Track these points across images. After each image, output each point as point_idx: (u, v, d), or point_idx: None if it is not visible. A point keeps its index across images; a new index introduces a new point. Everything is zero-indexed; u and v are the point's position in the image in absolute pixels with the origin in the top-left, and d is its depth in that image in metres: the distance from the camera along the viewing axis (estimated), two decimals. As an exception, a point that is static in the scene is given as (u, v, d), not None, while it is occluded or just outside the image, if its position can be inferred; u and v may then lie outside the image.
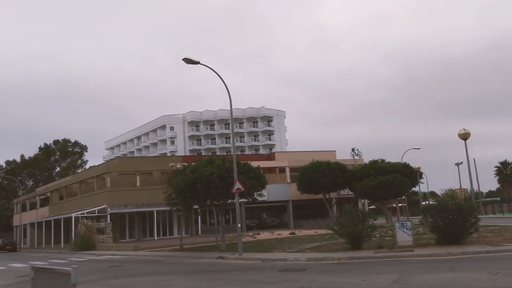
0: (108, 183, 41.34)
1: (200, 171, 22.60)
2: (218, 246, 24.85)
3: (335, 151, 52.97)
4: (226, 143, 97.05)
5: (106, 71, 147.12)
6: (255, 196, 24.26)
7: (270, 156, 53.71)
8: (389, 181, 37.62)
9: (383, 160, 43.39)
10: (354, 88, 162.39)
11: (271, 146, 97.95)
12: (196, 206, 28.11)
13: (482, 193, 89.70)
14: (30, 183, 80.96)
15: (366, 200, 49.47)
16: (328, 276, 11.74)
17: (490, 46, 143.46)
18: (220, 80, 20.45)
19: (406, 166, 41.94)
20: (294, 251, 19.40)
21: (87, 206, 41.27)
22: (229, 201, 25.48)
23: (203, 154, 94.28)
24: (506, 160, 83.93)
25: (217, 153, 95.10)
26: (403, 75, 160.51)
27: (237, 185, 19.78)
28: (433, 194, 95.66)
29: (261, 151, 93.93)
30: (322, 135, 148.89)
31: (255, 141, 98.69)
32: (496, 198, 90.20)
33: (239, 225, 19.88)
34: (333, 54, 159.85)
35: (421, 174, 45.10)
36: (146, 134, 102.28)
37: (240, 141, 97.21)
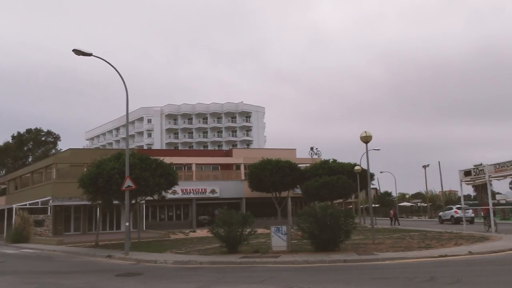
0: (54, 175, 40.71)
1: (103, 166, 22.02)
2: (134, 243, 24.22)
3: (295, 149, 52.41)
4: (204, 137, 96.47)
5: (93, 62, 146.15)
6: (164, 194, 23.64)
7: (228, 153, 53.15)
8: (333, 182, 37.01)
9: (334, 160, 42.90)
10: (346, 88, 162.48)
11: (248, 142, 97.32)
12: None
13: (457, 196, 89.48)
14: (2, 172, 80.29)
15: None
16: (136, 283, 11.19)
17: (481, 51, 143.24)
18: (116, 72, 19.77)
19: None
20: (182, 252, 18.85)
21: (35, 198, 40.65)
22: (143, 198, 24.94)
23: (179, 148, 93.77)
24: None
25: (194, 147, 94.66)
26: (395, 77, 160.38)
27: (128, 182, 19.18)
28: (419, 194, 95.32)
29: (239, 146, 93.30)
30: (314, 133, 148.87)
31: (232, 136, 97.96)
32: (468, 202, 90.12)
33: (127, 224, 19.25)
34: (326, 54, 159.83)
35: (372, 175, 44.47)
36: (125, 125, 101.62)
37: (218, 136, 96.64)
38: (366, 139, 19.92)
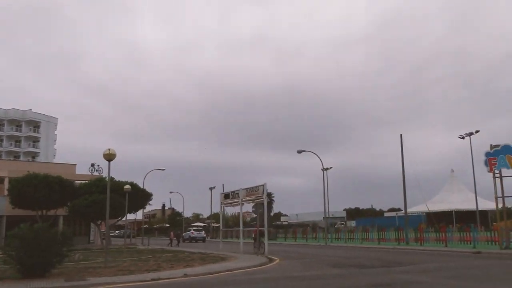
0: None
1: None
2: None
3: (75, 164, 49.11)
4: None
5: None
6: None
7: (-8, 164, 46.83)
8: (103, 200, 35.17)
9: (112, 178, 41.09)
10: (162, 109, 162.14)
11: (34, 154, 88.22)
12: None
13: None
14: None
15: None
16: None
17: (285, 86, 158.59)
18: None
19: (132, 186, 40.19)
20: None
21: None
22: None
23: None
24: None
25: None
26: (209, 103, 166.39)
27: None
28: (217, 215, 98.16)
29: (22, 158, 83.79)
30: (124, 151, 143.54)
31: (15, 146, 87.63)
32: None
33: None
34: (143, 73, 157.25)
35: (150, 195, 43.83)
36: None
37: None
38: (109, 157, 18.94)
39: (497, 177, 25.18)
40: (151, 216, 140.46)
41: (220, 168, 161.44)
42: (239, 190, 28.02)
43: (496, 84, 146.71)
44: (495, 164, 24.81)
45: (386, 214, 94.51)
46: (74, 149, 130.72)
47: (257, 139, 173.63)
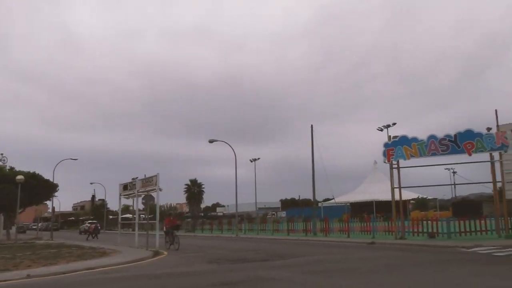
0: None
1: None
2: None
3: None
4: None
5: None
6: None
7: None
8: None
9: (12, 168, 38.16)
10: (101, 97, 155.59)
11: None
12: None
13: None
14: None
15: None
16: None
17: (227, 78, 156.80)
18: None
19: (34, 176, 37.46)
20: None
21: None
22: None
23: None
24: (195, 179, 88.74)
25: None
26: (151, 92, 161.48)
27: None
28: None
29: None
30: (57, 140, 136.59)
31: None
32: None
33: None
34: (80, 59, 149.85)
35: (55, 187, 41.14)
36: None
37: None
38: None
39: (395, 168, 25.27)
40: (79, 208, 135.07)
41: (162, 158, 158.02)
42: (135, 180, 26.46)
43: (430, 81, 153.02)
44: (393, 155, 24.83)
45: (320, 205, 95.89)
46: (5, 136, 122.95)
47: (199, 130, 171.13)
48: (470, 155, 23.30)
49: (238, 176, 40.59)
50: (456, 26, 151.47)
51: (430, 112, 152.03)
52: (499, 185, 23.79)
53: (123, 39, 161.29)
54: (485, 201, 53.58)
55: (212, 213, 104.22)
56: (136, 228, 25.97)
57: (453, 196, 76.16)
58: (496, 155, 23.12)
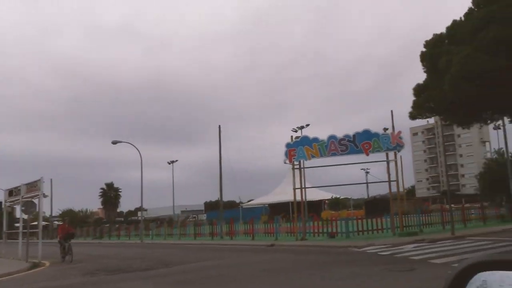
0: None
1: None
2: None
3: None
4: None
5: None
6: None
7: None
8: None
9: None
10: (15, 95, 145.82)
11: None
12: None
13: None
14: None
15: None
16: None
17: (152, 80, 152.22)
18: None
19: None
20: None
21: None
22: None
23: None
24: (112, 182, 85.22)
25: None
26: (70, 92, 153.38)
27: None
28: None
29: None
30: None
31: None
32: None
33: None
34: None
35: None
36: None
37: None
38: None
39: (297, 168, 25.10)
40: None
41: (87, 162, 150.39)
42: (20, 186, 24.12)
43: (349, 86, 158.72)
44: (295, 155, 24.59)
45: (244, 206, 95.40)
46: None
47: (123, 132, 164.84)
48: (367, 155, 23.57)
49: (161, 179, 39.13)
50: (373, 33, 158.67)
51: (347, 115, 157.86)
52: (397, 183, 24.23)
53: (41, 36, 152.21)
54: (394, 199, 55.91)
55: (133, 218, 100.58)
56: (20, 238, 23.66)
57: (368, 195, 79.31)
58: (391, 155, 23.58)
